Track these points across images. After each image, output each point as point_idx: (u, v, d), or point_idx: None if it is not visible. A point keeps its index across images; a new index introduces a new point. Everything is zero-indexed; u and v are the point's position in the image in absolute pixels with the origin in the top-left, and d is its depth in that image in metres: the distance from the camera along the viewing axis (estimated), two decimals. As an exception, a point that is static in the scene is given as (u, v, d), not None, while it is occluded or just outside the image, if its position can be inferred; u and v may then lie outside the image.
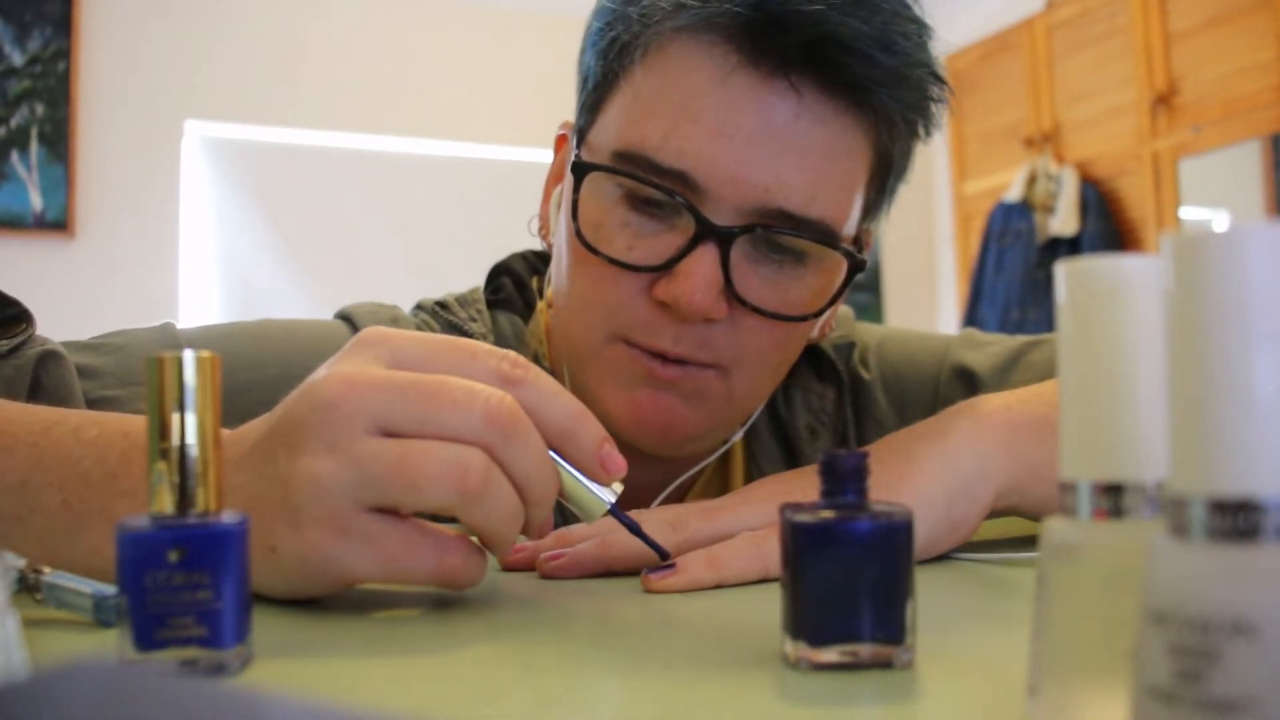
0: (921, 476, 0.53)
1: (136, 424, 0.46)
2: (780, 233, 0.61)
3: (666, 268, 0.61)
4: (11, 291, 0.60)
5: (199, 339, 0.67)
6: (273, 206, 3.65)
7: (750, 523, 0.51)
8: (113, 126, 3.43)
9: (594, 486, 0.44)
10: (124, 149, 3.44)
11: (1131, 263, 0.26)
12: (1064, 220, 3.50)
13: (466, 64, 3.85)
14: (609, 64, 0.64)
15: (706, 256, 0.60)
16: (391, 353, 0.41)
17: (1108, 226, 3.45)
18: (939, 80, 0.65)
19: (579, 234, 0.63)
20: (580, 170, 0.64)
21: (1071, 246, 3.48)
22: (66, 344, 0.62)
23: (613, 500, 0.45)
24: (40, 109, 3.35)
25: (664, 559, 0.48)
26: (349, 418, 0.39)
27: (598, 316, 0.64)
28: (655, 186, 0.61)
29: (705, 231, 0.60)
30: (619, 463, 0.43)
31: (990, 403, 0.57)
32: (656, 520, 0.51)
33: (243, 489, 0.41)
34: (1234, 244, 0.21)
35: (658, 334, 0.62)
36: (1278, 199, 3.00)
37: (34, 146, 3.34)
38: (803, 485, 0.55)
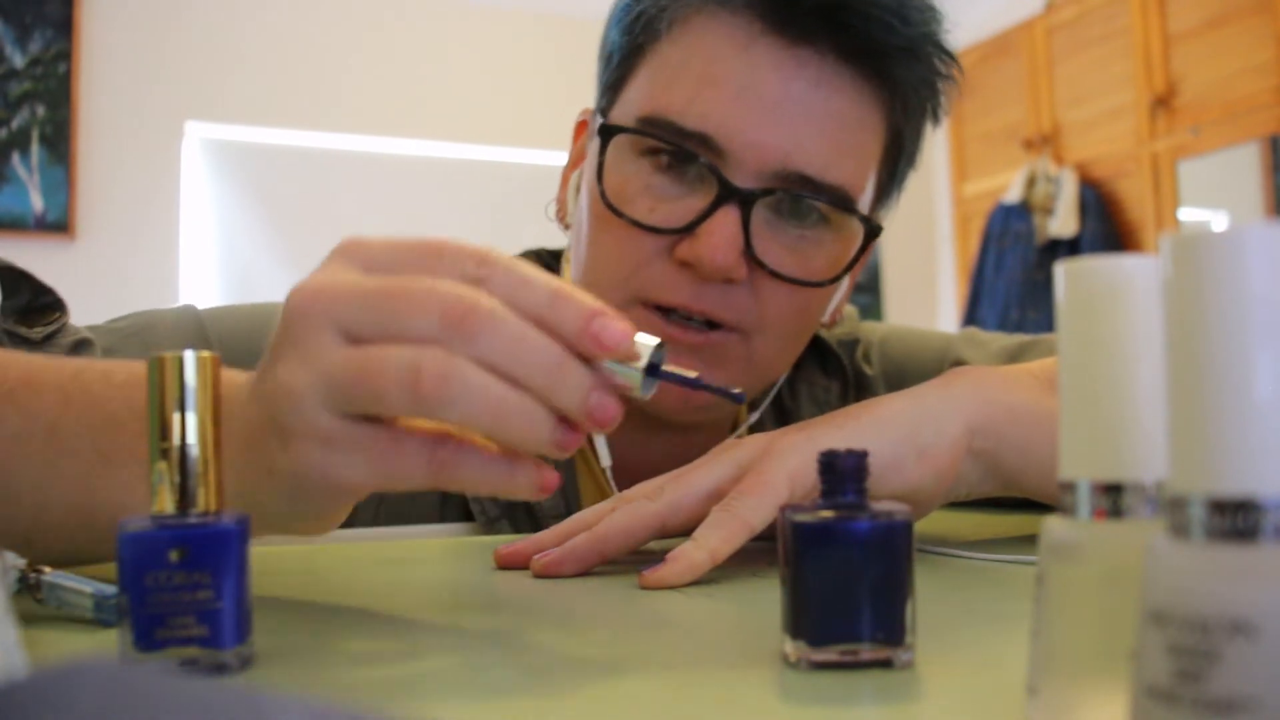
0: (883, 405, 0.55)
1: None
2: (800, 196, 0.63)
3: (689, 229, 0.62)
4: (12, 291, 0.61)
5: (224, 317, 0.68)
6: (273, 208, 3.65)
7: (719, 475, 0.51)
8: (113, 128, 3.43)
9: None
10: (125, 150, 3.44)
11: (1131, 263, 0.26)
12: (1063, 222, 3.50)
13: (467, 65, 3.85)
14: (634, 39, 0.66)
15: (728, 217, 0.62)
16: (365, 258, 0.40)
17: (1107, 228, 3.45)
18: (949, 59, 0.67)
19: (603, 196, 0.65)
20: (606, 133, 0.66)
21: (1071, 248, 3.48)
22: (91, 328, 0.64)
23: (655, 353, 0.38)
24: (41, 110, 3.35)
25: (735, 399, 0.44)
26: (316, 327, 0.37)
27: (617, 278, 0.65)
28: (678, 148, 0.63)
29: (727, 193, 0.62)
30: (614, 333, 0.37)
31: (960, 367, 0.60)
32: (634, 495, 0.52)
33: (243, 415, 0.40)
34: (1233, 244, 0.21)
35: (677, 291, 0.63)
36: (1277, 200, 3.00)
37: (35, 148, 3.34)
38: (762, 442, 0.53)
